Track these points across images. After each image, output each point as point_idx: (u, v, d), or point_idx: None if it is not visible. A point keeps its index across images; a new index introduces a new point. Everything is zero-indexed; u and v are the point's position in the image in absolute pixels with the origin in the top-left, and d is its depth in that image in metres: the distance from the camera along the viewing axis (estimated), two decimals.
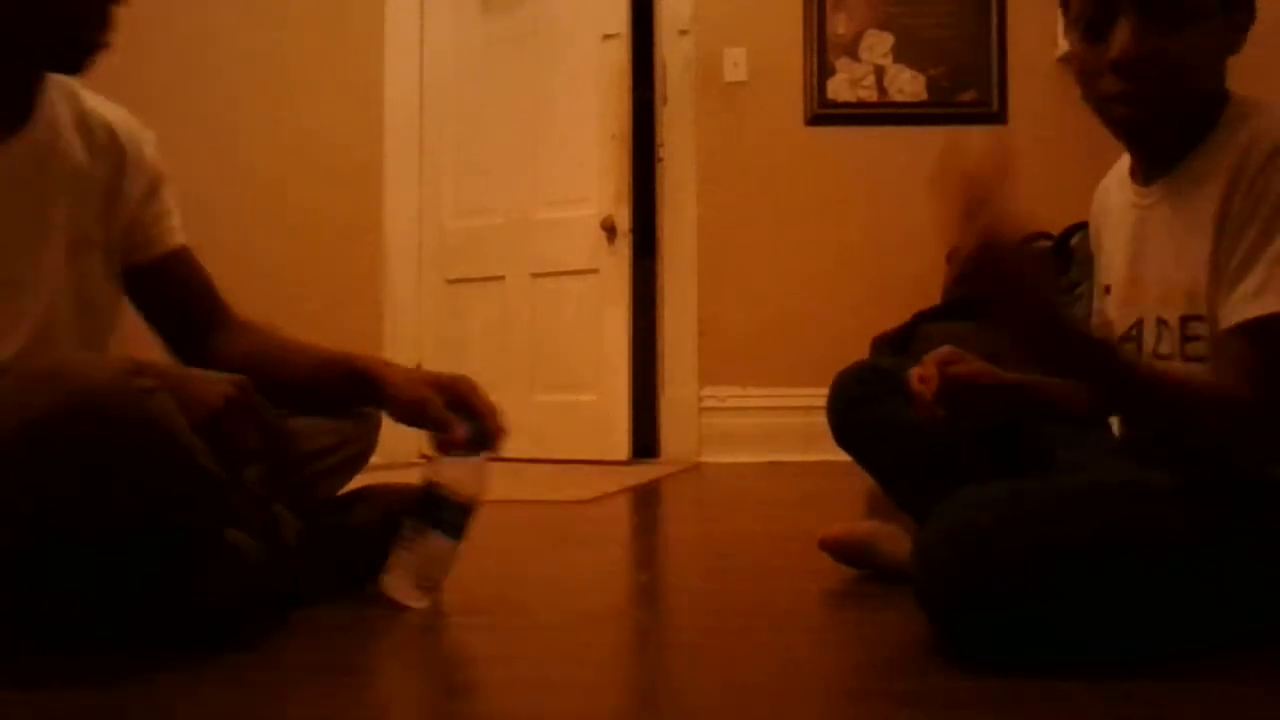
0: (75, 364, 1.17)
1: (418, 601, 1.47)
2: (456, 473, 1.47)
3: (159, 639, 1.24)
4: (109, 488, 1.16)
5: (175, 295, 1.56)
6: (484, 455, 1.49)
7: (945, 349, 1.48)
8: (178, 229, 1.57)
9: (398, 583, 1.46)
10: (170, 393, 1.22)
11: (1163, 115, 1.32)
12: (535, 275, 4.39)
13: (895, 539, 1.66)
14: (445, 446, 1.49)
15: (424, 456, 1.52)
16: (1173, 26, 1.26)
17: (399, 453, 4.27)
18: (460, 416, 1.49)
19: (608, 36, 4.24)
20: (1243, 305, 1.21)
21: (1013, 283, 1.16)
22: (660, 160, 4.42)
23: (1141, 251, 1.38)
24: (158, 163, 1.54)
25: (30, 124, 1.38)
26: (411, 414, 1.51)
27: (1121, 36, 1.26)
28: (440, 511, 1.46)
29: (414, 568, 1.47)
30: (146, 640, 1.24)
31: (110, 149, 1.48)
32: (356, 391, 1.56)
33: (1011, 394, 1.45)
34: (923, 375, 1.46)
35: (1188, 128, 1.32)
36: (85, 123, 1.46)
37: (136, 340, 1.60)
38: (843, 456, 1.72)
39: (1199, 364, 1.28)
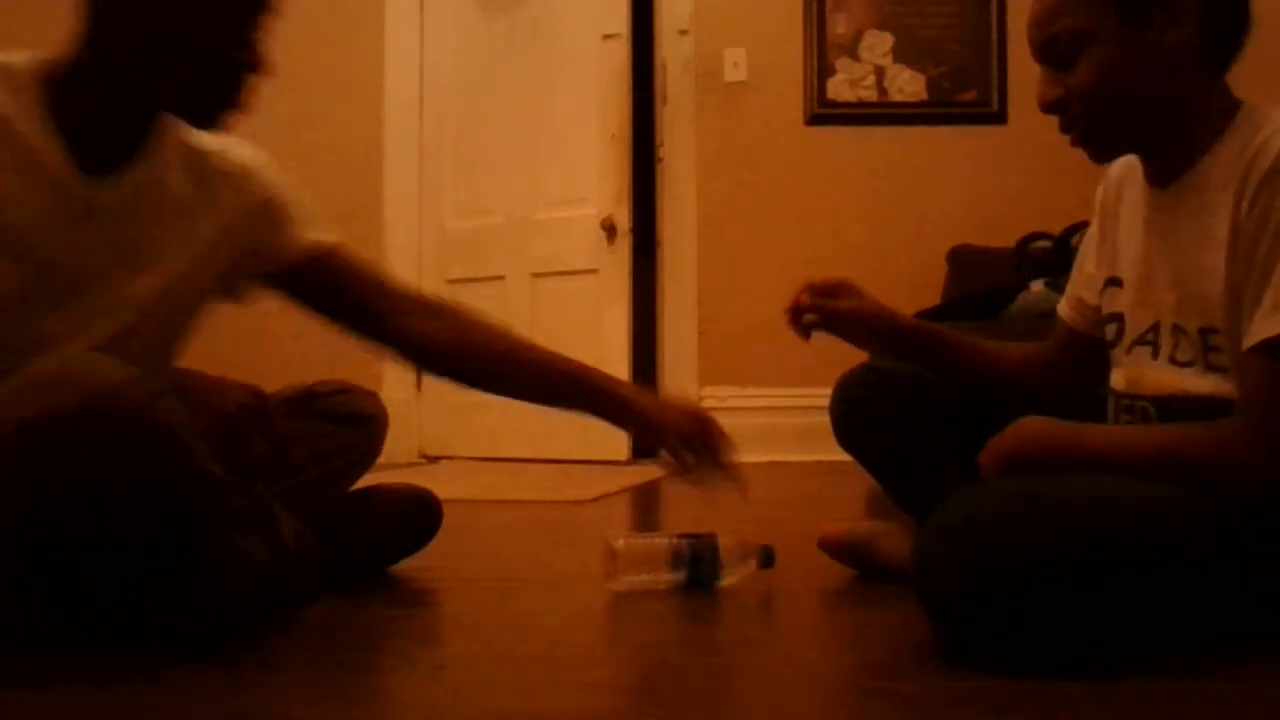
0: (85, 365, 1.17)
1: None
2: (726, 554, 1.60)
3: (159, 639, 1.24)
4: (111, 488, 1.16)
5: (326, 295, 1.57)
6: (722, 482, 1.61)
7: (834, 279, 1.62)
8: (309, 235, 1.56)
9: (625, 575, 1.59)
10: (186, 397, 1.22)
11: (1111, 139, 1.36)
12: (535, 275, 4.39)
13: (895, 539, 1.66)
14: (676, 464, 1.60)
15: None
16: (1066, 64, 1.31)
17: (398, 453, 4.28)
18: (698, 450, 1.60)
19: (608, 36, 4.24)
20: (1256, 327, 1.21)
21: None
22: (660, 160, 4.42)
23: (1156, 254, 1.37)
24: (271, 186, 1.53)
25: (140, 159, 1.37)
26: (658, 441, 1.61)
27: (1038, 86, 1.35)
28: (700, 566, 1.59)
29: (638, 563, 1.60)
30: (147, 640, 1.24)
31: (218, 181, 1.47)
32: (591, 403, 1.64)
33: (899, 334, 1.63)
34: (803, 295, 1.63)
35: (1177, 138, 1.32)
36: (193, 155, 1.44)
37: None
38: (843, 456, 1.72)
39: (1223, 374, 1.28)
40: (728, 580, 1.60)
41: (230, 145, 1.50)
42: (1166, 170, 1.35)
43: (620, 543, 1.61)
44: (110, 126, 1.34)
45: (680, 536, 1.61)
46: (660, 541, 1.62)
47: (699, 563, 1.59)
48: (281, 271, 1.54)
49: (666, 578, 1.59)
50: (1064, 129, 1.36)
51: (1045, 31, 1.32)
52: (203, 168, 1.45)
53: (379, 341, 1.61)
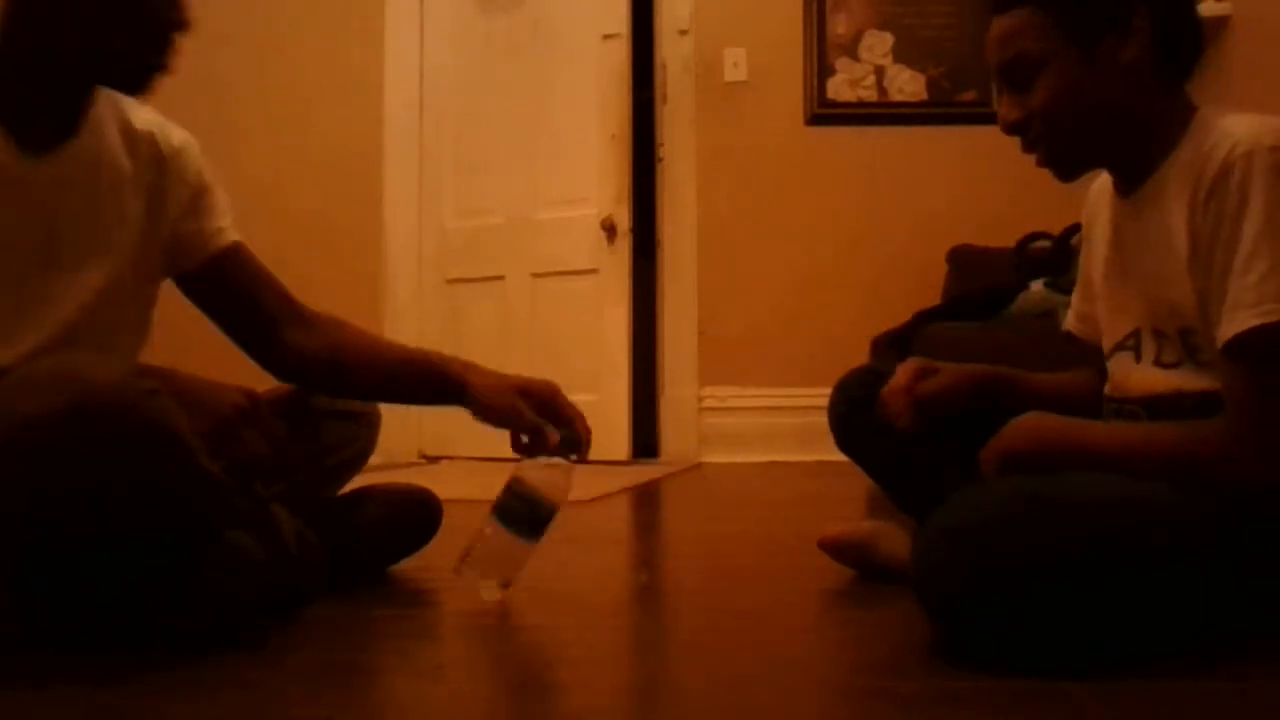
0: (78, 365, 1.17)
1: (489, 594, 1.51)
2: (542, 476, 1.51)
3: (159, 639, 1.24)
4: (110, 488, 1.16)
5: (231, 295, 1.56)
6: (570, 460, 1.54)
7: (913, 363, 1.57)
8: (227, 229, 1.56)
9: (472, 575, 1.50)
10: (180, 399, 1.22)
11: (1073, 158, 1.37)
12: (535, 275, 4.39)
13: (895, 539, 1.66)
14: (531, 450, 1.55)
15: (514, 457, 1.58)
16: (1025, 86, 1.33)
17: (398, 453, 4.28)
18: (546, 421, 1.55)
19: (608, 36, 4.24)
20: (1221, 330, 1.22)
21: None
22: (660, 160, 4.42)
23: (1124, 263, 1.40)
24: (200, 171, 1.54)
25: (78, 134, 1.38)
26: (500, 419, 1.57)
27: (999, 108, 1.37)
28: (522, 513, 1.50)
29: (490, 564, 1.50)
30: (146, 640, 1.24)
31: (153, 159, 1.48)
32: (438, 393, 1.61)
33: (981, 389, 1.55)
34: (893, 390, 1.55)
35: (1137, 149, 1.34)
36: (130, 133, 1.45)
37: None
38: (842, 456, 1.72)
39: (1212, 370, 1.29)
40: (573, 497, 1.55)
41: (163, 125, 1.51)
42: (1129, 180, 1.38)
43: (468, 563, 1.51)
44: (44, 100, 1.34)
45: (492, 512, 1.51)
46: (481, 539, 1.51)
47: (519, 515, 1.50)
48: (194, 269, 1.53)
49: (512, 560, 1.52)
50: (1026, 149, 1.37)
51: (1002, 54, 1.34)
52: (137, 145, 1.46)
53: (259, 352, 1.59)
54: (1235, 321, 1.20)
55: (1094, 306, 1.53)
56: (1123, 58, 1.30)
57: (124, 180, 1.44)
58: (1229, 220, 1.21)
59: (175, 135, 1.52)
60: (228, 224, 1.56)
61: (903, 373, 1.56)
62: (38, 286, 1.35)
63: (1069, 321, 1.61)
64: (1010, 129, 1.36)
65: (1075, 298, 1.59)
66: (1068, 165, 1.38)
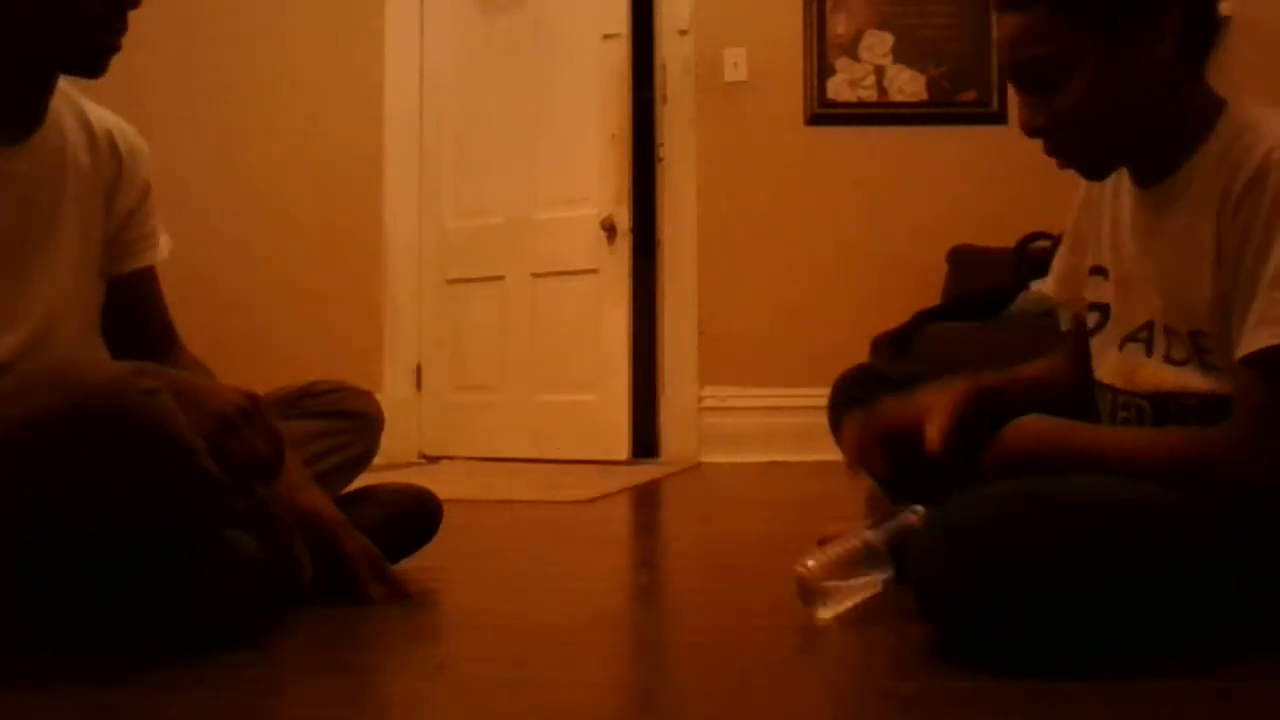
0: (77, 365, 1.17)
1: (825, 614, 1.40)
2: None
3: (159, 639, 1.24)
4: (110, 488, 1.16)
5: (135, 313, 1.56)
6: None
7: (866, 423, 1.53)
8: (160, 247, 1.58)
9: (823, 588, 1.40)
10: (181, 399, 1.22)
11: (1100, 156, 1.35)
12: (535, 275, 4.39)
13: None
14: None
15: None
16: (1048, 88, 1.28)
17: (398, 453, 4.28)
18: None
19: (608, 36, 4.24)
20: (1245, 339, 1.21)
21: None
22: (660, 160, 4.42)
23: (1141, 255, 1.37)
24: (148, 176, 1.56)
25: (43, 128, 1.39)
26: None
27: (1018, 112, 1.33)
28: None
29: (843, 584, 1.40)
30: (146, 640, 1.24)
31: (111, 157, 1.50)
32: None
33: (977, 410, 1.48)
34: (863, 450, 1.52)
35: (1161, 143, 1.31)
36: (88, 129, 1.47)
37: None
38: (842, 456, 1.72)
39: (1219, 371, 1.28)
40: None
41: (120, 126, 1.53)
42: (1150, 172, 1.35)
43: (810, 564, 1.40)
44: (11, 91, 1.35)
45: (870, 527, 1.42)
46: (851, 544, 1.41)
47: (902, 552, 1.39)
48: (119, 275, 1.53)
49: (870, 580, 1.40)
50: (1050, 152, 1.33)
51: (1017, 55, 1.29)
52: (96, 143, 1.48)
53: None
54: (1260, 336, 1.19)
55: (1079, 272, 1.50)
56: (1154, 56, 1.26)
57: (85, 174, 1.45)
58: (1260, 228, 1.20)
59: (131, 136, 1.54)
60: (159, 239, 1.58)
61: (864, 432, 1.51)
62: (17, 277, 1.36)
63: (1048, 284, 1.58)
64: (1034, 133, 1.32)
65: (1058, 262, 1.55)
66: (1099, 167, 1.37)
